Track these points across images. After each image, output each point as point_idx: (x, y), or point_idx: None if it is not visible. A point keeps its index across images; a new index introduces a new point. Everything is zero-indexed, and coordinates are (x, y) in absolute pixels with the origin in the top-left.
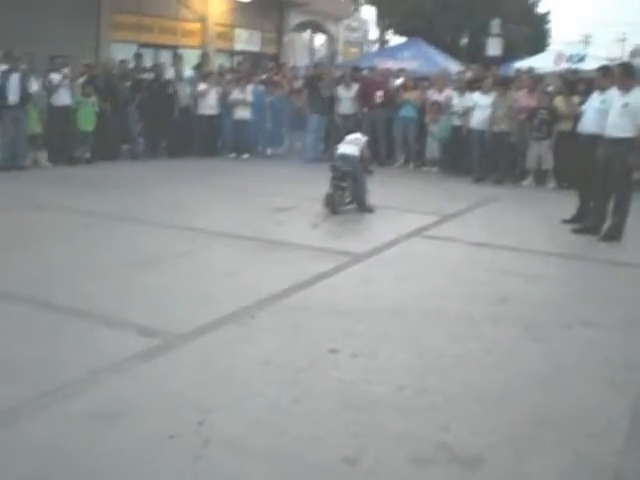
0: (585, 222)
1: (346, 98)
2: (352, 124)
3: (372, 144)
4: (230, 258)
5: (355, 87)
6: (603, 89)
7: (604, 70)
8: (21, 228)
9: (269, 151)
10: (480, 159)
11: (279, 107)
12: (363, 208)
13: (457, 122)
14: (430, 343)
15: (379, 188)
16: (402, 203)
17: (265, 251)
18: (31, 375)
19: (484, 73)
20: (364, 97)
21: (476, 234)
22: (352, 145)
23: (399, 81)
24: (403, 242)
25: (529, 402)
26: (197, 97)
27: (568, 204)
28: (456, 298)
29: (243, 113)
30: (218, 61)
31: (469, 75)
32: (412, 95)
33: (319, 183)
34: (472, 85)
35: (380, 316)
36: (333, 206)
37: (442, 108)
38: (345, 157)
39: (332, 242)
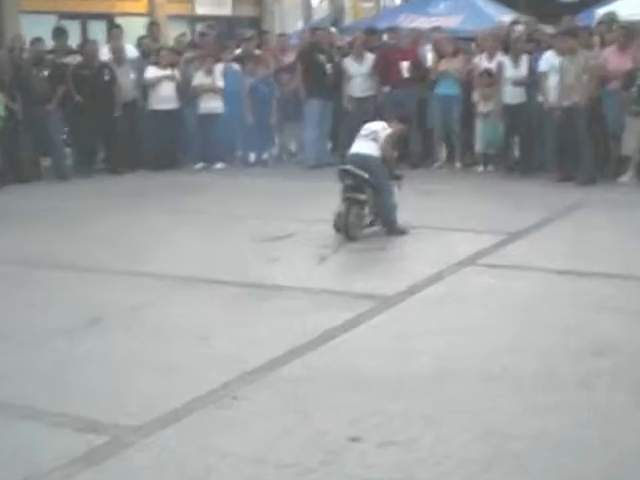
0: None
1: (358, 75)
2: (369, 110)
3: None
4: (204, 313)
5: (370, 58)
6: None
7: None
8: None
9: (252, 157)
10: (559, 149)
11: (264, 93)
12: (391, 229)
13: (516, 99)
14: (496, 421)
15: (413, 200)
16: (448, 219)
17: (254, 300)
18: None
19: (539, 27)
20: (385, 71)
21: (556, 258)
22: (369, 141)
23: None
24: (451, 275)
25: None
26: (146, 86)
27: None
28: (532, 353)
29: (212, 105)
30: (173, 33)
31: (520, 30)
32: (452, 64)
33: (326, 198)
34: (528, 45)
35: (421, 386)
36: (347, 229)
37: (495, 79)
38: (360, 158)
39: (348, 282)
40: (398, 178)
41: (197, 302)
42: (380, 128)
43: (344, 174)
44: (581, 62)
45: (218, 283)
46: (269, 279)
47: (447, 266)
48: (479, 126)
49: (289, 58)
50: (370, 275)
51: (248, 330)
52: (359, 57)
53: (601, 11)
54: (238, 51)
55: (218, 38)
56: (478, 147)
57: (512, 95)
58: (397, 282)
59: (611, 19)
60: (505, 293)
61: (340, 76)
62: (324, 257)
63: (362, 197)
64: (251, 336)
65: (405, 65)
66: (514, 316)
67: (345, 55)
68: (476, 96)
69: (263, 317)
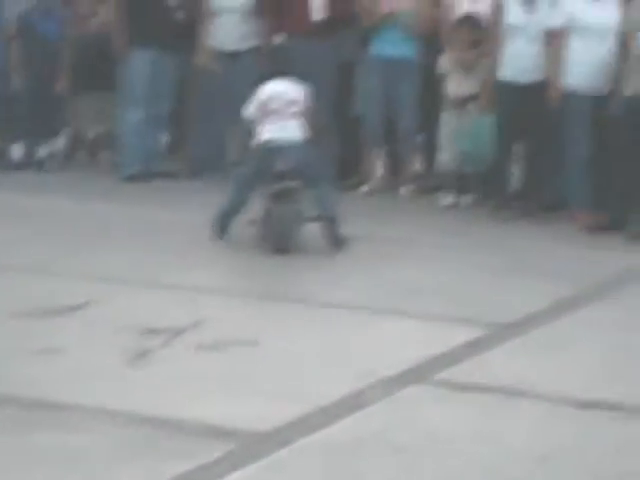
0: None
1: (231, 10)
2: (248, 75)
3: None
4: None
5: None
6: None
7: None
8: None
9: (18, 152)
10: (592, 173)
11: (44, 34)
12: (338, 235)
13: (526, 74)
14: None
15: (320, 256)
16: (385, 294)
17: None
18: None
19: None
20: (279, 7)
21: (582, 377)
22: (291, 118)
23: None
24: (381, 402)
25: None
26: None
27: None
28: None
29: None
30: None
31: None
32: (403, 2)
33: (158, 240)
34: None
35: None
36: (285, 239)
37: (485, 34)
38: (285, 149)
39: (185, 404)
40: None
41: None
42: (295, 92)
43: (274, 156)
44: None
45: None
46: (32, 391)
47: (375, 381)
48: (449, 121)
49: None
50: (228, 392)
51: None
52: None
53: None
54: None
55: None
56: (445, 160)
57: (519, 65)
58: (277, 409)
59: None
60: (477, 441)
61: (193, 11)
62: (144, 352)
63: (295, 185)
64: None
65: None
66: None
67: None
68: (446, 64)
69: (14, 465)
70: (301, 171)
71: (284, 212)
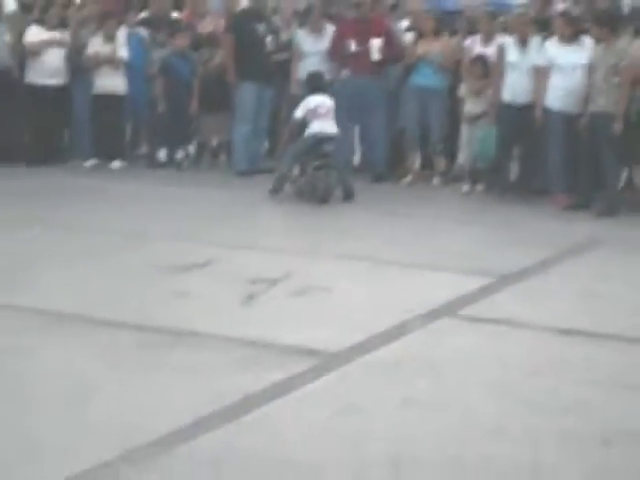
0: None
1: (312, 52)
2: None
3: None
4: (82, 365)
5: (329, 32)
6: None
7: None
8: None
9: (163, 155)
10: (566, 168)
11: (181, 71)
12: (348, 190)
13: (521, 97)
14: None
15: (374, 226)
16: (419, 254)
17: (150, 350)
18: None
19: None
20: (343, 51)
21: (560, 312)
22: (331, 120)
23: (405, 24)
24: (419, 330)
25: None
26: (25, 54)
27: None
28: (520, 440)
29: (112, 83)
30: None
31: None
32: (433, 47)
33: (257, 215)
34: (544, 28)
35: (370, 476)
36: (326, 194)
37: (491, 69)
38: (331, 140)
39: (281, 331)
40: None
41: (75, 350)
42: (330, 102)
43: (322, 142)
44: (616, 57)
45: (104, 325)
46: (173, 322)
47: (414, 316)
48: (465, 132)
49: (208, 26)
50: (310, 323)
51: (140, 392)
52: (316, 29)
53: None
54: (143, 14)
55: None
56: (463, 159)
57: (515, 91)
58: (345, 335)
59: None
60: (488, 358)
61: (287, 54)
62: (251, 295)
63: (332, 161)
64: (144, 400)
65: (375, 44)
66: (498, 391)
67: (299, 26)
68: (463, 90)
69: (162, 374)
70: (335, 152)
71: (328, 176)
